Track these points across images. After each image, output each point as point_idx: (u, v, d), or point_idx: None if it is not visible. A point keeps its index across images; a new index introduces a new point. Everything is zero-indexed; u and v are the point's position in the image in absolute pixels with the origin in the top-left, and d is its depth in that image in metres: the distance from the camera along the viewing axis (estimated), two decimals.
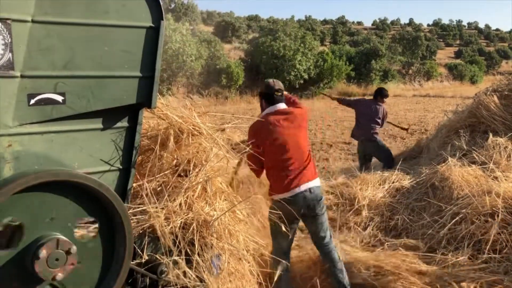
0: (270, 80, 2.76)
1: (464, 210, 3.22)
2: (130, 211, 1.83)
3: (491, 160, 3.88)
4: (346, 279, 2.68)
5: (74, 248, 1.38)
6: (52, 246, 1.36)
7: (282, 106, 2.66)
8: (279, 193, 2.55)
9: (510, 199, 3.15)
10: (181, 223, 1.90)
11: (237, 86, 20.52)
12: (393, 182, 4.04)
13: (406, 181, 4.03)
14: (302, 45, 22.62)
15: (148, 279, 1.78)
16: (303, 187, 2.55)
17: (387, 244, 3.18)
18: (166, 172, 2.05)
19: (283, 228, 2.42)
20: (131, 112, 1.76)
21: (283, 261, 2.56)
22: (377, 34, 49.65)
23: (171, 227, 1.86)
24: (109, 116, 1.70)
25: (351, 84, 25.15)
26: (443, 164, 3.94)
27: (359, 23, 69.50)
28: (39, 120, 1.51)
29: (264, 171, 2.66)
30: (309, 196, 2.56)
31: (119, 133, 1.74)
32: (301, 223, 2.78)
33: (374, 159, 5.53)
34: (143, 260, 1.82)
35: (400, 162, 4.66)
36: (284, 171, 2.55)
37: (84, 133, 1.65)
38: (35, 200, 1.38)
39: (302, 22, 44.30)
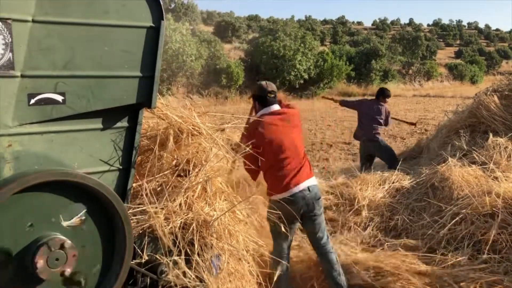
0: (263, 82, 2.75)
1: (464, 210, 3.22)
2: (130, 211, 1.83)
3: (491, 160, 3.88)
4: (343, 281, 2.67)
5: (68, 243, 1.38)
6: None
7: (276, 107, 2.67)
8: (278, 192, 2.55)
9: (510, 199, 3.15)
10: (181, 223, 1.90)
11: (237, 86, 20.52)
12: (393, 182, 4.04)
13: (406, 181, 4.03)
14: (302, 45, 22.63)
15: (148, 279, 1.78)
16: (302, 186, 2.56)
17: (387, 245, 3.18)
18: (166, 172, 2.05)
19: (283, 228, 2.42)
20: (131, 112, 1.76)
21: (283, 261, 2.57)
22: (377, 34, 49.66)
23: (171, 227, 1.86)
24: (109, 116, 1.70)
25: (351, 84, 25.17)
26: (443, 164, 3.94)
27: (359, 23, 69.52)
28: (39, 120, 1.51)
29: (260, 173, 2.66)
30: (308, 196, 2.56)
31: (119, 133, 1.74)
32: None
33: (376, 159, 5.51)
34: (143, 260, 1.82)
35: (400, 162, 4.66)
36: (282, 171, 2.55)
37: (84, 133, 1.65)
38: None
39: (302, 22, 44.32)
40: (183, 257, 1.88)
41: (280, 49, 21.59)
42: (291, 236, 2.69)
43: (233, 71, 20.07)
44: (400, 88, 27.01)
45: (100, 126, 1.69)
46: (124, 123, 1.75)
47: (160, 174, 2.04)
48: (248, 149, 2.30)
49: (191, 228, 1.92)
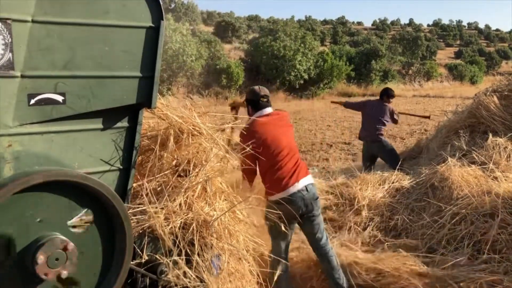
0: (256, 87, 2.81)
1: (464, 210, 3.22)
2: (130, 211, 1.83)
3: (491, 160, 3.88)
4: (343, 281, 2.68)
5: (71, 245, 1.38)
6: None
7: (269, 110, 2.73)
8: (278, 192, 2.56)
9: (510, 199, 3.15)
10: (181, 223, 1.90)
11: (237, 86, 20.52)
12: (393, 182, 4.04)
13: (406, 181, 4.03)
14: (302, 45, 22.63)
15: (148, 279, 1.78)
16: (300, 184, 2.58)
17: (387, 244, 3.18)
18: (166, 172, 2.05)
19: (283, 228, 2.42)
20: (131, 112, 1.76)
21: (283, 261, 2.57)
22: (377, 34, 49.66)
23: (171, 227, 1.86)
24: (109, 116, 1.70)
25: (351, 84, 25.16)
26: (443, 164, 3.94)
27: (359, 23, 69.53)
28: (39, 120, 1.51)
29: (257, 176, 2.67)
30: (306, 196, 2.58)
31: (119, 133, 1.74)
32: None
33: (379, 160, 5.50)
34: (143, 260, 1.82)
35: (400, 162, 4.67)
36: (280, 170, 2.57)
37: (84, 133, 1.65)
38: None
39: (302, 22, 44.31)
40: (183, 257, 1.88)
41: (280, 49, 21.59)
42: (290, 236, 2.69)
43: (233, 71, 20.07)
44: (400, 88, 26.98)
45: (100, 126, 1.69)
46: (124, 123, 1.75)
47: (160, 174, 2.04)
48: (248, 149, 2.31)
49: (191, 228, 1.92)
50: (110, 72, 1.63)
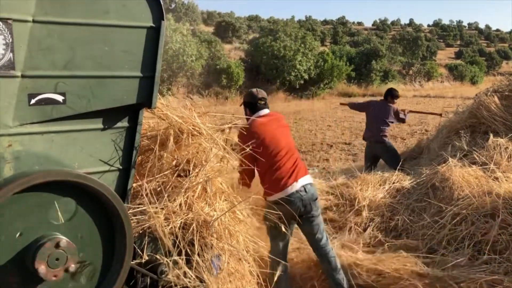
0: (253, 90, 2.83)
1: (465, 210, 3.22)
2: (130, 211, 1.83)
3: (492, 160, 3.87)
4: (344, 281, 2.68)
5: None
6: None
7: (266, 111, 2.75)
8: (276, 192, 2.56)
9: (511, 199, 3.15)
10: (181, 223, 1.90)
11: (237, 87, 20.52)
12: (393, 183, 4.03)
13: (407, 182, 4.02)
14: (302, 45, 22.63)
15: (148, 279, 1.78)
16: (298, 184, 2.58)
17: (387, 245, 3.18)
18: (166, 172, 2.05)
19: (283, 228, 2.42)
20: (131, 112, 1.76)
21: (282, 261, 2.57)
22: (378, 34, 49.64)
23: (171, 227, 1.86)
24: (109, 116, 1.70)
25: (351, 85, 25.15)
26: (444, 164, 3.93)
27: (360, 23, 69.52)
28: (39, 120, 1.51)
29: (254, 179, 2.67)
30: (305, 196, 2.58)
31: (119, 133, 1.74)
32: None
33: (380, 161, 5.49)
34: (143, 260, 1.82)
35: (400, 162, 4.66)
36: (279, 170, 2.57)
37: (84, 133, 1.65)
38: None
39: (302, 23, 44.31)
40: (183, 257, 1.88)
41: (280, 49, 21.59)
42: (289, 237, 2.70)
43: (233, 72, 20.07)
44: (401, 88, 26.91)
45: (101, 126, 1.69)
46: (124, 123, 1.75)
47: (160, 174, 2.04)
48: (248, 149, 2.30)
49: (191, 228, 1.91)
50: (110, 72, 1.63)
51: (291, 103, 19.98)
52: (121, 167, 1.76)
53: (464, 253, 2.90)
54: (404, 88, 27.95)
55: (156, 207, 1.88)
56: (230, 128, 2.71)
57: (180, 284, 1.81)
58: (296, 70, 21.65)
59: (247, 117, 2.77)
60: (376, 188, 3.98)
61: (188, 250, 1.91)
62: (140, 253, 1.82)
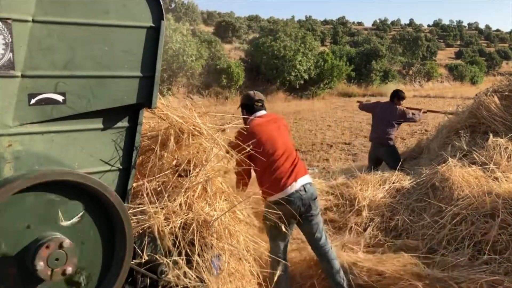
0: (251, 92, 2.87)
1: (465, 210, 3.22)
2: (130, 211, 1.83)
3: (492, 160, 3.87)
4: (344, 280, 2.68)
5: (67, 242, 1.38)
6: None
7: (263, 112, 2.78)
8: (277, 192, 2.56)
9: (511, 199, 3.15)
10: (181, 223, 1.90)
11: (238, 87, 20.51)
12: (393, 183, 4.03)
13: (407, 182, 4.02)
14: (302, 45, 22.62)
15: (148, 279, 1.78)
16: (298, 184, 2.59)
17: (388, 245, 3.18)
18: (166, 172, 2.05)
19: (283, 228, 2.42)
20: (132, 112, 1.76)
21: (283, 261, 2.57)
22: (378, 34, 49.62)
23: (171, 227, 1.86)
24: (109, 116, 1.70)
25: (351, 85, 25.14)
26: (444, 164, 3.93)
27: (360, 23, 69.51)
28: (39, 120, 1.51)
29: (251, 180, 2.68)
30: (304, 196, 2.58)
31: (120, 133, 1.74)
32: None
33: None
34: (143, 260, 1.82)
35: (400, 163, 4.66)
36: (278, 170, 2.58)
37: (85, 133, 1.65)
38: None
39: (302, 23, 44.30)
40: (183, 257, 1.88)
41: (280, 49, 21.58)
42: (289, 237, 2.70)
43: (233, 72, 20.06)
44: (401, 88, 26.93)
45: (101, 126, 1.69)
46: (124, 123, 1.75)
47: (160, 174, 2.04)
48: (249, 149, 2.31)
49: (191, 228, 1.91)
50: (111, 72, 1.63)
51: (291, 103, 19.98)
52: (121, 167, 1.76)
53: (464, 253, 2.90)
54: (404, 88, 27.88)
55: (156, 207, 1.88)
56: (226, 128, 2.72)
57: (180, 284, 1.81)
58: (296, 70, 21.65)
59: (245, 116, 2.79)
60: (376, 188, 3.98)
61: (188, 250, 1.91)
62: (140, 253, 1.82)
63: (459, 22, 68.74)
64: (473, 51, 44.86)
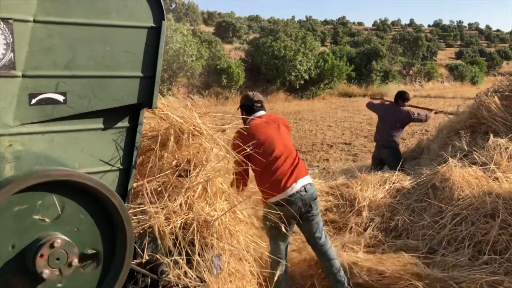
0: (250, 93, 2.90)
1: (465, 211, 3.22)
2: (131, 211, 1.83)
3: (492, 161, 3.88)
4: (344, 278, 2.69)
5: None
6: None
7: (262, 113, 2.79)
8: (277, 193, 2.56)
9: (511, 199, 3.15)
10: (181, 223, 1.90)
11: (238, 87, 20.50)
12: (393, 183, 4.03)
13: (407, 182, 4.02)
14: (302, 45, 22.61)
15: (148, 279, 1.78)
16: (298, 185, 2.59)
17: (388, 245, 3.18)
18: (166, 172, 2.05)
19: (283, 229, 2.43)
20: (132, 112, 1.76)
21: (283, 261, 2.57)
22: (378, 34, 49.64)
23: (172, 227, 1.86)
24: (110, 116, 1.70)
25: (351, 85, 25.13)
26: (444, 164, 3.94)
27: (360, 23, 69.55)
28: (40, 119, 1.51)
29: (250, 181, 2.68)
30: (305, 196, 2.59)
31: (120, 133, 1.74)
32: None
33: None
34: (144, 260, 1.82)
35: (400, 163, 4.66)
36: (278, 171, 2.58)
37: (85, 133, 1.65)
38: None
39: (302, 23, 44.34)
40: (183, 257, 1.88)
41: (280, 49, 21.58)
42: (289, 237, 2.70)
43: (233, 72, 20.06)
44: (401, 88, 26.89)
45: (101, 126, 1.69)
46: (125, 123, 1.75)
47: (160, 174, 2.04)
48: (249, 150, 2.31)
49: (191, 228, 1.91)
50: (111, 72, 1.63)
51: (292, 103, 19.98)
52: (121, 167, 1.76)
53: (464, 254, 2.91)
54: (404, 88, 27.86)
55: (157, 207, 1.88)
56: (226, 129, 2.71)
57: (180, 284, 1.81)
58: (296, 70, 21.64)
59: (244, 116, 2.80)
60: (376, 188, 3.98)
61: (189, 250, 1.91)
62: (141, 253, 1.82)
63: (460, 22, 68.89)
64: (474, 51, 44.87)
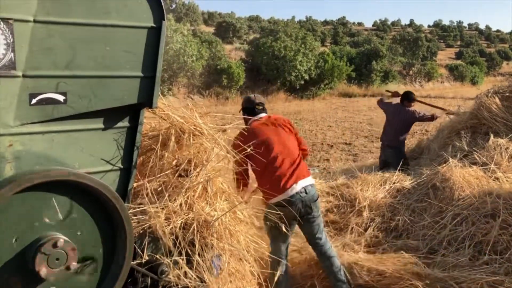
0: (251, 95, 2.94)
1: (465, 211, 3.22)
2: (131, 211, 1.83)
3: (492, 161, 3.88)
4: (344, 277, 2.69)
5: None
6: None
7: (263, 115, 2.84)
8: (278, 193, 2.56)
9: (511, 200, 3.15)
10: (181, 223, 1.90)
11: (238, 87, 20.51)
12: (394, 183, 4.03)
13: (407, 182, 4.02)
14: (303, 45, 22.61)
15: (148, 279, 1.78)
16: (298, 186, 2.59)
17: (388, 245, 3.18)
18: (167, 172, 2.05)
19: (284, 229, 2.42)
20: (132, 112, 1.76)
21: (283, 261, 2.57)
22: (378, 35, 49.62)
23: (172, 227, 1.86)
24: (110, 116, 1.70)
25: (351, 85, 25.14)
26: (444, 165, 3.94)
27: (360, 24, 69.56)
28: (40, 119, 1.51)
29: (250, 182, 2.69)
30: (305, 198, 2.59)
31: (120, 133, 1.74)
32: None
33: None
34: (144, 260, 1.82)
35: (400, 163, 4.65)
36: (277, 171, 2.58)
37: (85, 133, 1.65)
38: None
39: (303, 23, 44.33)
40: (183, 257, 1.88)
41: (281, 49, 21.57)
42: (290, 238, 2.70)
43: (234, 72, 20.06)
44: (401, 89, 26.81)
45: (101, 126, 1.69)
46: (125, 123, 1.75)
47: (161, 174, 2.04)
48: (249, 150, 2.31)
49: (191, 228, 1.91)
50: (112, 72, 1.63)
51: (292, 103, 19.98)
52: (122, 167, 1.76)
53: (464, 254, 2.90)
54: (405, 88, 27.92)
55: (157, 207, 1.88)
56: (227, 129, 2.72)
57: (180, 284, 1.81)
58: (296, 71, 21.64)
59: (245, 117, 2.81)
60: (377, 188, 3.98)
61: (189, 250, 1.91)
62: (141, 253, 1.82)
63: (459, 22, 68.90)
64: (473, 51, 44.85)
